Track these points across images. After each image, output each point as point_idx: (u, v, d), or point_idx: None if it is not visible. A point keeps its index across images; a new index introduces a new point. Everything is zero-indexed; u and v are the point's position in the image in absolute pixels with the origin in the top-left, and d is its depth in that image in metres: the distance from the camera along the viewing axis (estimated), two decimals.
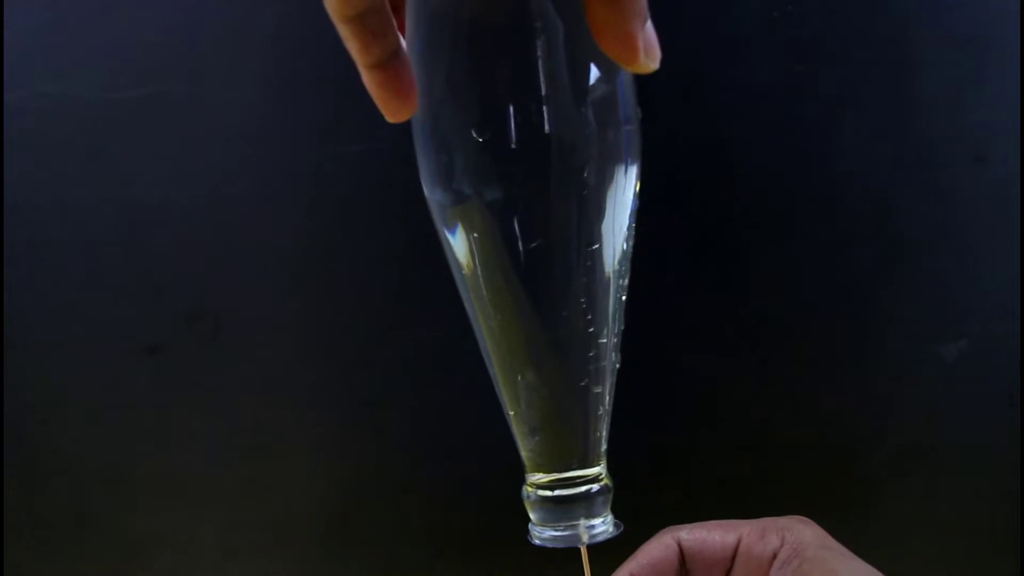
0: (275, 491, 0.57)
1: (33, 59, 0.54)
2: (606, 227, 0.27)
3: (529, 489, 0.30)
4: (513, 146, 0.26)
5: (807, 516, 0.34)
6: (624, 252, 0.28)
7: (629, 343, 0.30)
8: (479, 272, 0.28)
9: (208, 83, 0.54)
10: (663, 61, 0.25)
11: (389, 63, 0.26)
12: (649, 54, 0.24)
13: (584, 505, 0.30)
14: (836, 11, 0.53)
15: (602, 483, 0.30)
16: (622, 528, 0.30)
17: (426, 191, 0.28)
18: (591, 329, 0.28)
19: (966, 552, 0.56)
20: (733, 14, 0.53)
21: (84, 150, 0.55)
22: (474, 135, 0.26)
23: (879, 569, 0.30)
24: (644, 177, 0.29)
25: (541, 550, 0.31)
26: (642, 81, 0.27)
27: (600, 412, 0.29)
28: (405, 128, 0.29)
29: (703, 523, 0.35)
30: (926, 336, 0.55)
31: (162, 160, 0.55)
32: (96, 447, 0.57)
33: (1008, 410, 0.55)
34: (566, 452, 0.30)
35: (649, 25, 0.24)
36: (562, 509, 0.30)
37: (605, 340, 0.29)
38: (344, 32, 0.26)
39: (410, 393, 0.56)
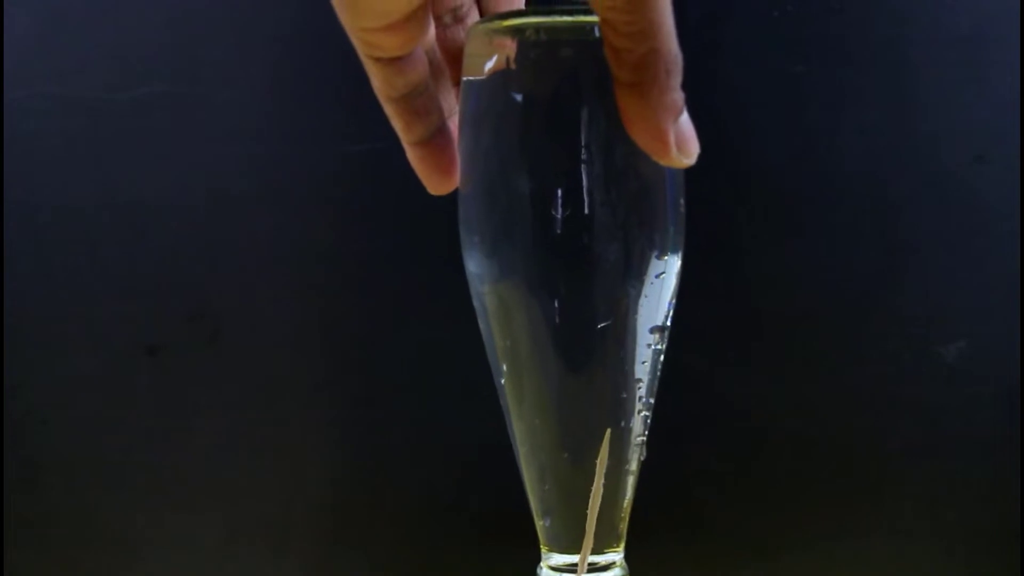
0: (275, 491, 0.57)
1: (33, 59, 0.54)
2: (650, 308, 0.27)
3: (543, 572, 0.30)
4: (557, 226, 0.25)
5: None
6: (664, 331, 0.28)
7: None
8: (514, 349, 0.27)
9: (209, 83, 0.54)
10: None
11: (432, 140, 0.26)
12: (683, 149, 0.23)
13: None
14: (836, 11, 0.53)
15: (615, 570, 0.29)
16: None
17: (466, 263, 0.28)
18: (627, 410, 0.27)
19: (966, 552, 0.56)
20: (733, 14, 0.53)
21: (84, 150, 0.55)
22: (518, 212, 0.25)
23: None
24: None
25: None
26: None
27: (629, 495, 0.29)
28: None
29: None
30: (926, 336, 0.55)
31: (162, 160, 0.55)
32: (96, 447, 0.57)
33: (1008, 410, 0.55)
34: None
35: (684, 118, 0.23)
36: None
37: (644, 418, 0.28)
38: (388, 110, 0.26)
39: (410, 393, 0.56)
